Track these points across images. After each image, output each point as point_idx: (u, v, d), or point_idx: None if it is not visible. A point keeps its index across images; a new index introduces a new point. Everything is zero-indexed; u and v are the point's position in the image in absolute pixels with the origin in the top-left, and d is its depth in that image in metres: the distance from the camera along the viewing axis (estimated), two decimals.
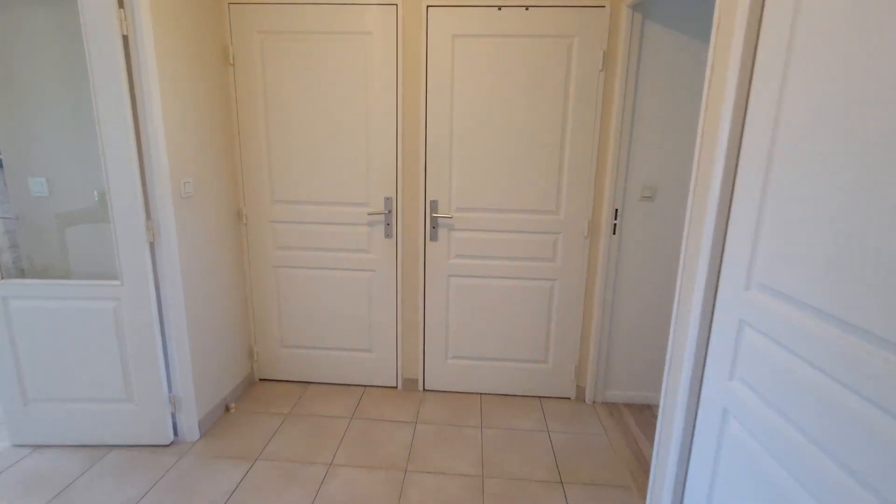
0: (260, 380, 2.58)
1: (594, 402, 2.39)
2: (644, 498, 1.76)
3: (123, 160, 1.74)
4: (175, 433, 2.05)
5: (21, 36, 1.82)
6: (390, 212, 2.30)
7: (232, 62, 2.20)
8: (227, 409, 2.29)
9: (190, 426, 2.04)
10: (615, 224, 2.18)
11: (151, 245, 1.86)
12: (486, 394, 2.49)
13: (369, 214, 2.31)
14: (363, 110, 2.21)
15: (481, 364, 2.44)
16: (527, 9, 2.05)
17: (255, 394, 2.45)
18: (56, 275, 2.01)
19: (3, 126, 1.88)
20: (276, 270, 2.42)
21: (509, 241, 2.27)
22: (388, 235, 2.33)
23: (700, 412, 1.24)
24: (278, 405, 2.35)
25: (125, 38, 1.68)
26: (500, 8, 2.05)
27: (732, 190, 1.12)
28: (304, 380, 2.56)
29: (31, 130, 1.89)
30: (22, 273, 2.00)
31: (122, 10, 1.65)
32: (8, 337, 1.89)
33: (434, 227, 2.29)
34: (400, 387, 2.52)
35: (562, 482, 1.85)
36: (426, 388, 2.51)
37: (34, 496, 1.73)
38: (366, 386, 2.54)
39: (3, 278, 1.86)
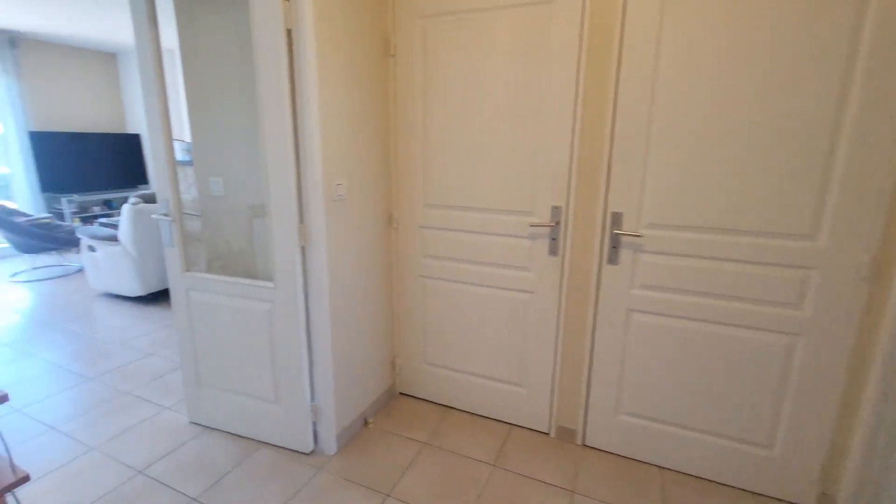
0: (401, 394, 2.42)
1: None
2: None
3: (281, 159, 1.67)
4: (315, 442, 1.98)
5: (209, 41, 1.90)
6: (558, 224, 1.86)
7: (393, 53, 2.03)
8: (366, 423, 2.17)
9: (328, 438, 1.95)
10: None
11: (303, 249, 1.78)
12: (670, 470, 1.88)
13: (532, 226, 1.91)
14: (532, 102, 1.81)
15: (666, 430, 1.85)
16: None
17: (394, 409, 2.29)
18: (230, 272, 2.12)
19: (195, 127, 2.02)
20: (424, 281, 2.21)
21: (723, 272, 1.62)
22: (552, 252, 1.90)
23: None
24: (416, 429, 2.14)
25: (289, 33, 1.59)
26: None
27: None
28: (446, 403, 2.31)
29: (214, 132, 1.98)
30: (206, 267, 2.16)
31: (287, 2, 1.56)
32: (188, 323, 2.04)
33: (615, 246, 1.78)
34: (553, 434, 2.08)
35: None
36: (586, 443, 2.02)
37: (195, 480, 1.81)
38: (512, 425, 2.17)
39: (187, 270, 2.00)
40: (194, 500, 1.72)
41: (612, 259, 1.79)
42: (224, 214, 2.06)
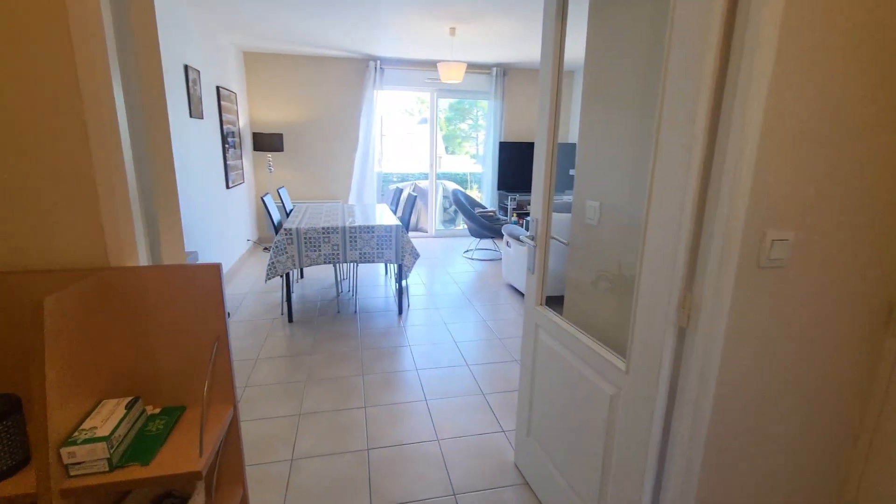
0: None
1: None
2: None
3: (672, 190, 1.05)
4: None
5: (616, 50, 1.45)
6: None
7: None
8: None
9: None
10: None
11: (681, 331, 1.10)
12: None
13: None
14: None
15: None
16: None
17: None
18: (584, 322, 1.69)
19: (584, 143, 1.66)
20: None
21: None
22: None
23: None
24: None
25: (730, 13, 0.90)
26: None
27: None
28: None
29: (601, 148, 1.55)
30: (563, 307, 1.82)
31: None
32: (532, 361, 1.79)
33: None
34: None
35: None
36: None
37: None
38: None
39: (540, 304, 1.73)
40: None
41: None
42: (593, 247, 1.64)
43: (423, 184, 7.39)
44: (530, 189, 6.54)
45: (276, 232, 3.52)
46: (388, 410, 2.38)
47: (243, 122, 5.38)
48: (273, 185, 5.98)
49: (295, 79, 5.75)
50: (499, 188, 6.55)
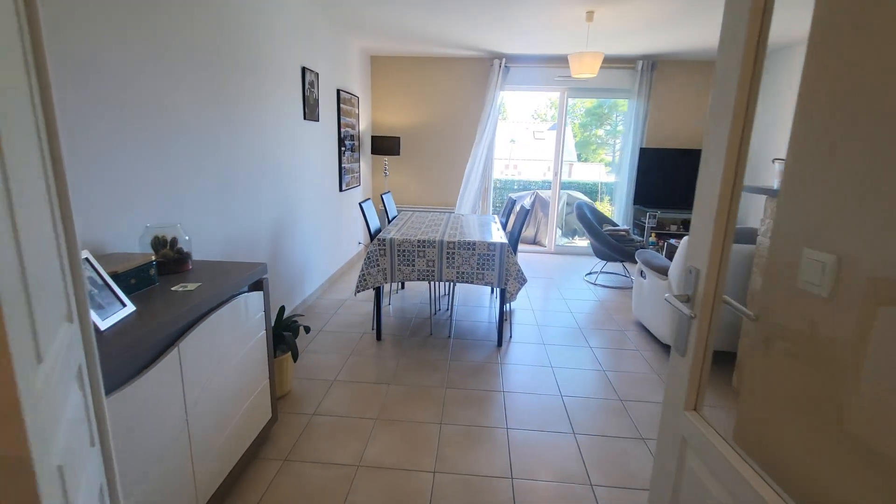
0: None
1: None
2: None
3: None
4: None
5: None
6: None
7: None
8: None
9: None
10: None
11: None
12: None
13: None
14: None
15: None
16: None
17: None
18: (766, 455, 0.97)
19: (798, 149, 0.95)
20: None
21: None
22: None
23: None
24: None
25: None
26: None
27: None
28: None
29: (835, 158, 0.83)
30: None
31: None
32: (672, 485, 1.12)
33: None
34: None
35: None
36: None
37: None
38: None
39: (692, 409, 1.06)
40: None
41: None
42: (815, 334, 0.91)
43: (545, 194, 6.74)
44: (674, 205, 5.45)
45: (372, 240, 3.29)
46: (462, 483, 1.88)
47: (364, 125, 5.38)
48: (389, 189, 5.93)
49: (415, 81, 5.60)
50: (635, 202, 5.58)
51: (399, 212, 5.63)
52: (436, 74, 5.57)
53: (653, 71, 5.26)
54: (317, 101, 3.80)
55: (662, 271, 3.14)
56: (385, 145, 5.32)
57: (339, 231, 4.62)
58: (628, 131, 5.45)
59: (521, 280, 2.96)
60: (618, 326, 3.59)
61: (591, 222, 4.58)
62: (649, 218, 5.37)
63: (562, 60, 5.34)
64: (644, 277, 3.46)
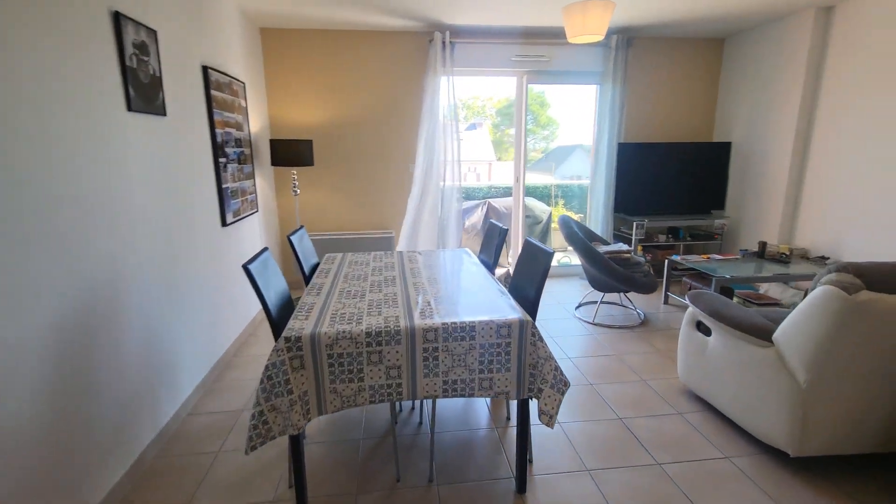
0: None
1: None
2: None
3: None
4: None
5: None
6: None
7: None
8: None
9: None
10: None
11: None
12: None
13: None
14: None
15: None
16: None
17: None
18: None
19: None
20: None
21: None
22: None
23: None
24: None
25: None
26: None
27: None
28: None
29: None
30: None
31: None
32: None
33: None
34: None
35: None
36: None
37: None
38: None
39: None
40: None
41: None
42: None
43: (501, 203, 5.54)
44: (661, 211, 4.53)
45: (276, 335, 1.76)
46: None
47: (258, 124, 3.76)
48: (301, 213, 4.34)
49: (330, 63, 4.09)
50: (616, 210, 4.57)
51: (321, 254, 4.07)
52: (359, 54, 4.10)
53: (628, 49, 4.28)
54: (157, 79, 2.18)
55: (752, 330, 2.01)
56: (291, 152, 3.75)
57: (226, 287, 2.99)
58: (602, 124, 4.42)
59: (561, 385, 1.64)
60: (664, 401, 2.44)
61: (586, 244, 3.43)
62: (636, 228, 4.38)
63: (520, 35, 4.16)
64: (701, 331, 2.34)
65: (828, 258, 3.67)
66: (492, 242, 2.62)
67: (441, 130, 4.15)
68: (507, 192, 6.09)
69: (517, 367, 1.65)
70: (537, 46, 4.19)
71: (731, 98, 4.47)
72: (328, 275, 2.26)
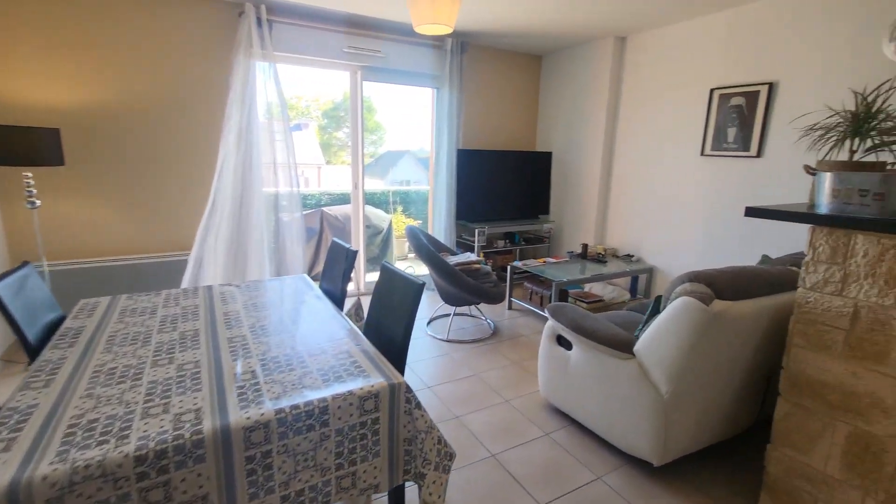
0: None
1: None
2: None
3: None
4: None
5: None
6: None
7: None
8: None
9: None
10: None
11: None
12: None
13: None
14: None
15: None
16: None
17: None
18: None
19: None
20: None
21: None
22: None
23: None
24: None
25: None
26: None
27: None
28: None
29: None
30: None
31: None
32: None
33: None
34: None
35: None
36: None
37: None
38: None
39: None
40: None
41: None
42: None
43: (338, 211, 4.98)
44: (499, 217, 4.63)
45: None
46: None
47: None
48: (46, 233, 3.05)
49: (91, 23, 2.95)
50: (458, 218, 4.48)
51: (75, 297, 2.89)
52: (138, 21, 3.05)
53: (463, 54, 4.21)
54: None
55: (614, 343, 1.98)
56: (19, 145, 2.54)
57: None
58: (441, 129, 4.27)
59: (447, 461, 1.26)
60: (530, 422, 2.31)
61: (436, 256, 3.17)
62: (478, 236, 4.36)
63: (354, 24, 3.69)
64: (562, 344, 2.27)
65: (633, 256, 4.20)
66: (336, 267, 2.11)
67: (265, 126, 3.40)
68: (341, 198, 5.55)
69: (388, 448, 1.21)
70: (372, 40, 3.79)
71: (549, 111, 4.82)
72: (76, 341, 1.44)
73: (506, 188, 4.63)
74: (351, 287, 4.42)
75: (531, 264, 3.93)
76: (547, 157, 4.78)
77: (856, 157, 1.77)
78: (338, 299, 2.02)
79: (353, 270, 4.27)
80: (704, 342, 1.72)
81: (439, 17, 2.07)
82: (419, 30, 2.22)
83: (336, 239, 2.22)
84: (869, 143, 1.74)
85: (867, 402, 1.47)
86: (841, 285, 1.50)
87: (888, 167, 1.65)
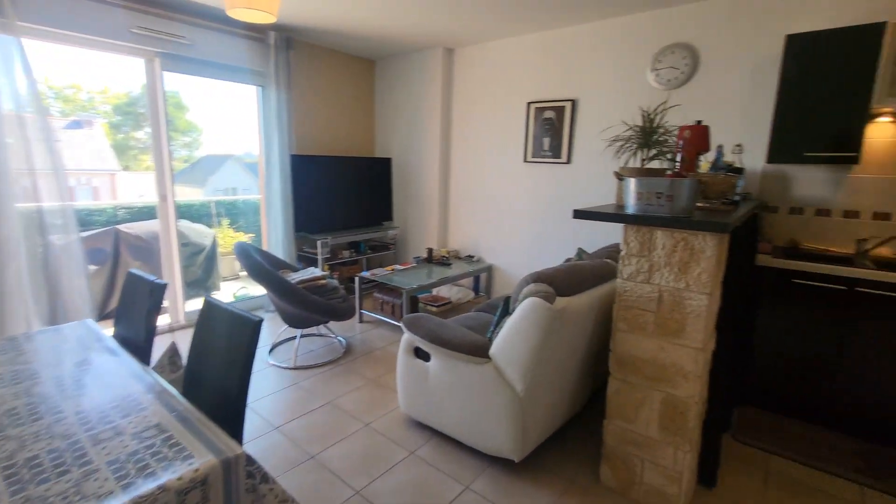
0: None
1: None
2: None
3: None
4: None
5: None
6: None
7: None
8: None
9: None
10: None
11: None
12: None
13: None
14: None
15: None
16: None
17: None
18: None
19: None
20: None
21: None
22: None
23: None
24: None
25: None
26: None
27: None
28: None
29: None
30: None
31: None
32: None
33: None
34: None
35: None
36: None
37: None
38: None
39: None
40: None
41: None
42: None
43: (135, 230, 4.07)
44: (341, 227, 4.42)
45: None
46: None
47: None
48: None
49: None
50: (297, 229, 4.10)
51: None
52: None
53: (289, 50, 3.85)
54: None
55: (470, 349, 1.99)
56: None
57: None
58: (270, 132, 3.84)
59: None
60: (393, 443, 2.20)
61: (274, 276, 2.81)
62: (321, 247, 4.06)
63: (146, 1, 3.03)
64: (420, 356, 2.21)
65: (473, 256, 4.43)
66: (136, 307, 1.64)
67: (11, 121, 2.53)
68: (146, 212, 4.56)
69: None
70: (172, 22, 3.17)
71: (386, 117, 4.78)
72: None
73: (347, 195, 4.42)
74: (165, 320, 3.66)
75: (379, 273, 3.81)
76: (387, 162, 4.72)
77: (645, 165, 2.10)
78: (141, 347, 1.57)
79: (165, 304, 3.54)
80: (552, 338, 1.83)
81: (257, 1, 1.78)
82: (232, 14, 1.89)
83: (134, 270, 1.73)
84: (654, 151, 2.08)
85: (672, 371, 1.74)
86: (648, 274, 1.74)
87: (666, 173, 1.98)
